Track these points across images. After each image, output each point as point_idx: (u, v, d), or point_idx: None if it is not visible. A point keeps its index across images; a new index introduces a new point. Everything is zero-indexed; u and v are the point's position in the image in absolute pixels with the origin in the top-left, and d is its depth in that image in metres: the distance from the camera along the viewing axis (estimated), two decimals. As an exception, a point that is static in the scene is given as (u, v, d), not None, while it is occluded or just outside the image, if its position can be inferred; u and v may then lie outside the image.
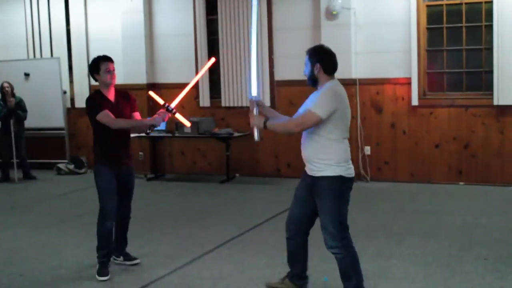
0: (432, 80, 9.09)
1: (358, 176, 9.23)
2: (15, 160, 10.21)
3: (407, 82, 9.03)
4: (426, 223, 6.73)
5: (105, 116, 4.99)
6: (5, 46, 11.74)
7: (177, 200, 8.46)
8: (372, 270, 5.07)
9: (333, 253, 4.26)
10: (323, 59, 4.19)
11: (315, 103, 4.10)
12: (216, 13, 10.03)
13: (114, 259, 5.48)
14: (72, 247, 6.10)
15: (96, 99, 5.11)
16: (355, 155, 9.22)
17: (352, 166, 4.25)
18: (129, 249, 5.60)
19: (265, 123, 4.26)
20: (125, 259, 5.49)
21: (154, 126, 5.16)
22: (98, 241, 5.23)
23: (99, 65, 5.07)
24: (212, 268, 5.33)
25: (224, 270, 5.23)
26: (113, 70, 5.12)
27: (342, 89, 4.22)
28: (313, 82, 4.24)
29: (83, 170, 10.83)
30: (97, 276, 5.11)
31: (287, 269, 4.66)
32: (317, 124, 4.10)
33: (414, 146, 9.10)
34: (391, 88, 9.18)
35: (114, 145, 5.15)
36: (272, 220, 7.04)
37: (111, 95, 5.15)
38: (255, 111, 4.36)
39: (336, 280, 4.45)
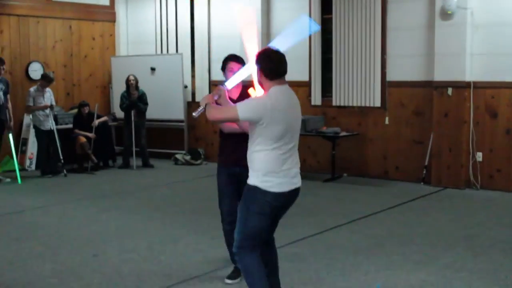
0: (553, 84, 8.45)
1: (468, 184, 8.84)
2: (134, 149, 10.89)
3: (526, 86, 8.47)
4: (518, 238, 6.31)
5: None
6: (137, 43, 12.66)
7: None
8: (433, 281, 4.94)
9: None
10: (263, 63, 3.94)
11: (243, 103, 3.96)
12: (331, 12, 10.01)
13: None
14: (153, 233, 6.45)
15: None
16: (465, 161, 8.85)
17: (281, 181, 3.96)
18: (202, 238, 5.78)
19: (207, 105, 4.11)
20: None
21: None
22: None
23: (225, 64, 4.94)
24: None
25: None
26: (237, 70, 4.78)
27: (283, 96, 3.94)
28: (261, 87, 4.05)
29: (199, 162, 11.28)
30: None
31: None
32: (232, 121, 4.12)
33: (531, 154, 8.51)
34: (508, 92, 8.63)
35: (228, 144, 5.00)
36: (355, 223, 6.96)
37: (234, 93, 4.87)
38: (215, 96, 4.23)
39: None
